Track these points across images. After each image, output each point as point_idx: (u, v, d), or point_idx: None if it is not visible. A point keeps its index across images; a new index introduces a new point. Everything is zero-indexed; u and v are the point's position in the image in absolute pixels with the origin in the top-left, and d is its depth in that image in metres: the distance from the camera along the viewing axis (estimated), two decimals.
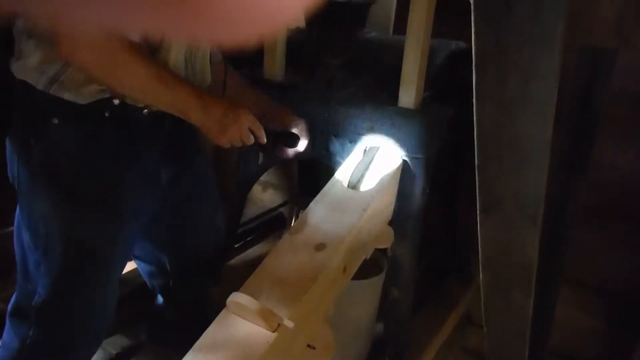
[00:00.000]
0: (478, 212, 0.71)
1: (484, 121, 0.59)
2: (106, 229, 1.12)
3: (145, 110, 1.09)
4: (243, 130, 1.10)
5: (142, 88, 1.01)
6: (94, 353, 1.29)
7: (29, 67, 1.00)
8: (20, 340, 1.15)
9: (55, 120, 1.02)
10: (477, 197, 0.70)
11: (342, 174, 1.28)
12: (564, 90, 1.02)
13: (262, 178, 2.42)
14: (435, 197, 1.82)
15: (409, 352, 1.61)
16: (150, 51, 1.02)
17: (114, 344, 1.75)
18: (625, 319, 1.83)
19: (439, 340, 1.84)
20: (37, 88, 1.00)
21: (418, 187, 1.29)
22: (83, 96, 1.02)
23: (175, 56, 1.07)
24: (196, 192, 1.34)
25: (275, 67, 1.50)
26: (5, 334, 1.18)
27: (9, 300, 1.22)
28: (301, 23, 1.53)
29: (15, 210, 1.13)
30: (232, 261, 2.10)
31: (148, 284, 1.56)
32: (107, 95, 1.04)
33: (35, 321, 1.14)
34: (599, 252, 1.85)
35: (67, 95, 1.01)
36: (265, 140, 1.15)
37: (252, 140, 1.13)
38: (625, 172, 1.74)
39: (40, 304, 1.12)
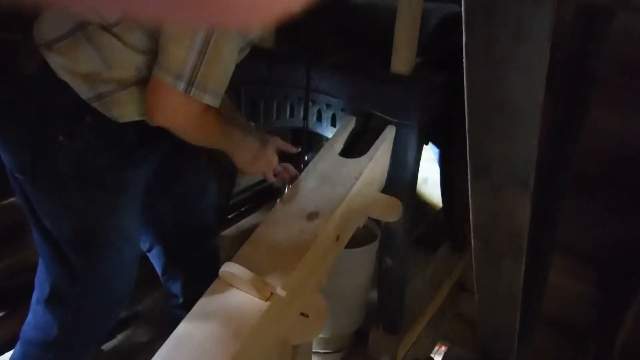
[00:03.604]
0: (469, 178, 0.71)
1: (473, 83, 0.57)
2: (131, 205, 1.18)
3: None
4: (268, 164, 1.22)
5: (210, 143, 1.14)
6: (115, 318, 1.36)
7: (74, 72, 1.00)
8: (59, 325, 1.19)
9: (88, 119, 1.04)
10: (468, 162, 0.69)
11: (334, 142, 1.27)
12: (558, 53, 1.00)
13: None
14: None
15: (402, 320, 1.62)
16: None
17: None
18: (616, 286, 1.85)
19: (433, 307, 1.86)
20: (79, 95, 1.01)
21: (411, 154, 1.28)
22: (121, 119, 1.06)
23: None
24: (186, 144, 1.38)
25: (264, 35, 1.47)
26: (39, 318, 1.21)
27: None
28: None
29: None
30: (226, 232, 2.10)
31: (145, 242, 1.54)
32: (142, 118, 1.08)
33: (76, 307, 1.18)
34: (591, 220, 1.86)
35: (107, 113, 1.04)
36: (272, 178, 1.26)
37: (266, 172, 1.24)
38: (618, 140, 1.73)
39: (78, 287, 1.16)
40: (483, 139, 0.64)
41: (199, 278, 1.54)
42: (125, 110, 1.05)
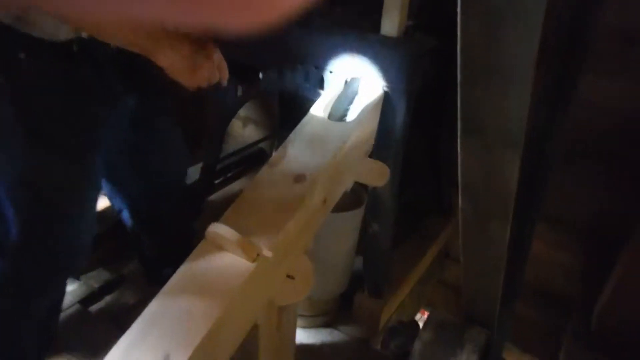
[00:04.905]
0: (459, 136, 0.70)
1: (467, 37, 0.56)
2: (79, 163, 1.09)
3: (112, 45, 1.03)
4: (213, 68, 1.05)
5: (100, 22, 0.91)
6: (65, 283, 1.31)
7: None
8: None
9: (22, 55, 0.95)
10: (459, 120, 0.68)
11: (322, 105, 1.25)
12: (552, 20, 0.99)
13: (243, 113, 2.39)
14: (418, 132, 1.81)
15: (387, 285, 1.64)
16: None
17: (96, 277, 1.76)
18: (599, 256, 1.88)
19: (417, 273, 1.88)
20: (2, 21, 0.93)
21: (399, 119, 1.27)
22: (52, 36, 0.95)
23: None
24: (156, 112, 1.30)
25: None
26: None
27: None
28: None
29: None
30: (213, 196, 2.10)
31: (114, 205, 1.51)
32: (80, 34, 0.98)
33: (10, 259, 1.13)
34: (576, 189, 1.88)
35: (36, 34, 0.94)
36: (226, 82, 1.10)
37: (217, 79, 1.08)
38: (607, 110, 1.73)
39: (14, 243, 1.10)
40: (475, 95, 0.64)
41: (170, 244, 1.53)
42: (50, 26, 0.93)
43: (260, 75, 1.33)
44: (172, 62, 0.98)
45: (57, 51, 0.97)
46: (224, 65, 1.08)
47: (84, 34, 0.98)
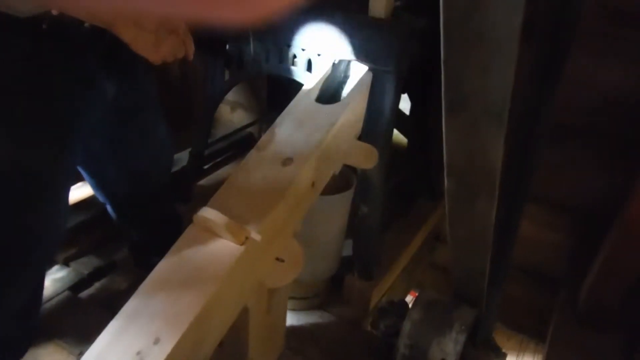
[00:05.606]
0: (443, 114, 0.70)
1: (450, 8, 0.56)
2: (50, 148, 1.04)
3: (86, 23, 0.99)
4: (179, 42, 1.02)
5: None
6: (43, 271, 1.26)
7: None
8: None
9: None
10: (443, 98, 0.68)
11: (310, 88, 1.25)
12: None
13: (231, 98, 2.38)
14: (409, 114, 1.81)
15: (377, 267, 1.65)
16: None
17: (86, 264, 1.76)
18: (587, 236, 1.90)
19: (407, 256, 1.89)
20: None
21: (388, 101, 1.27)
22: (15, 10, 0.89)
23: None
24: (140, 105, 1.27)
25: None
26: None
27: None
28: None
29: None
30: (203, 181, 2.09)
31: (99, 198, 1.47)
32: (48, 11, 0.92)
33: None
34: (564, 169, 1.89)
35: (3, 8, 0.88)
36: (192, 57, 1.07)
37: (183, 53, 1.06)
38: (597, 90, 1.74)
39: None
40: (459, 70, 0.63)
41: (158, 233, 1.52)
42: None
43: (227, 47, 1.32)
44: (135, 36, 0.95)
45: (25, 29, 0.92)
46: (190, 40, 1.05)
47: (54, 11, 0.92)
